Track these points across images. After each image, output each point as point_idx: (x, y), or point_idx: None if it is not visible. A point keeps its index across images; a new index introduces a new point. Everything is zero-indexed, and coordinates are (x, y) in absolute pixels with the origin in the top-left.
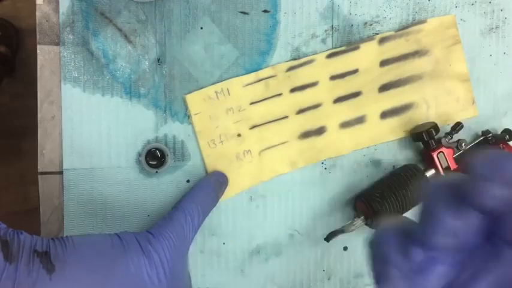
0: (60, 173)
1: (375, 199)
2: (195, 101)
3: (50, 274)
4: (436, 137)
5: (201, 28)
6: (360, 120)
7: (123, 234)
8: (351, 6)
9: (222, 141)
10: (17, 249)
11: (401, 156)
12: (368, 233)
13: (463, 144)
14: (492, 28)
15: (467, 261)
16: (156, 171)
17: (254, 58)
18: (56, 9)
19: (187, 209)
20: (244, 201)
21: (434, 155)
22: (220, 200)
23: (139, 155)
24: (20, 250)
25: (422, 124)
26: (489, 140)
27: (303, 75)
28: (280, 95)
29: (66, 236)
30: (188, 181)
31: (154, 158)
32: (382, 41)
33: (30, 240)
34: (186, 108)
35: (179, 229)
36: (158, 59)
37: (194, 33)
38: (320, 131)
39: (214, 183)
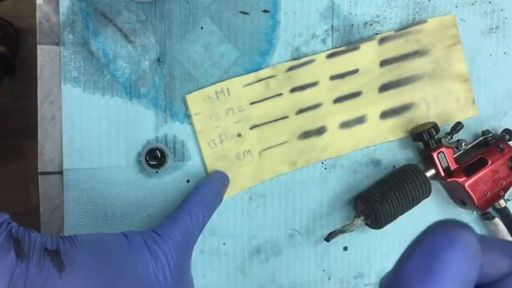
0: (60, 173)
1: (375, 199)
2: (195, 101)
3: (60, 272)
4: (436, 137)
5: (201, 28)
6: (360, 120)
7: (129, 234)
8: (351, 6)
9: (222, 141)
10: (28, 247)
11: (401, 156)
12: (368, 234)
13: (463, 144)
14: (492, 28)
15: None
16: (156, 171)
17: (254, 58)
18: (56, 9)
19: (192, 209)
20: (244, 201)
21: (434, 155)
22: None
23: (140, 155)
24: (31, 248)
25: (422, 124)
26: (489, 140)
27: (303, 75)
28: (280, 95)
29: (75, 235)
30: (188, 181)
31: (154, 158)
32: (382, 41)
33: (41, 238)
34: (186, 108)
35: (185, 229)
36: (158, 59)
37: (194, 33)
38: (320, 131)
39: (217, 183)
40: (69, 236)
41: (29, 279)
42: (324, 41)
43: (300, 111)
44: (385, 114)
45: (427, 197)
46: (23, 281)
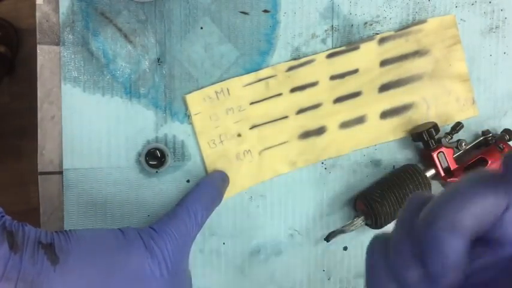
0: (60, 173)
1: (375, 199)
2: (195, 101)
3: (54, 265)
4: (436, 137)
5: (201, 28)
6: (360, 120)
7: (125, 229)
8: (351, 6)
9: (222, 141)
10: (22, 240)
11: (401, 156)
12: (368, 234)
13: (463, 144)
14: (492, 28)
15: None
16: (156, 171)
17: (254, 58)
18: (56, 9)
19: (191, 207)
20: (244, 201)
21: (434, 155)
22: None
23: (139, 155)
24: (25, 241)
25: (422, 124)
26: (489, 140)
27: (303, 75)
28: (280, 95)
29: (70, 230)
30: (188, 181)
31: (154, 158)
32: (382, 41)
33: (35, 232)
34: (186, 108)
35: (182, 226)
36: (158, 59)
37: (194, 33)
38: (320, 131)
39: (218, 182)
40: (65, 230)
41: (22, 271)
42: (324, 41)
43: (300, 111)
44: (385, 114)
45: None
46: (16, 273)
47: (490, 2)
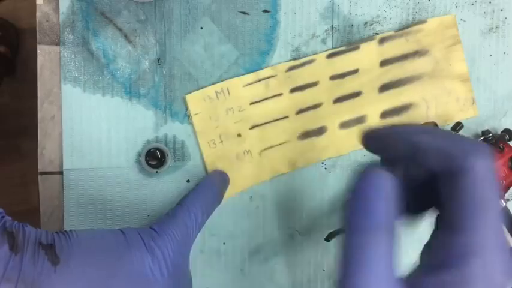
0: (60, 173)
1: None
2: (195, 101)
3: (55, 266)
4: None
5: (201, 28)
6: (360, 120)
7: (126, 230)
8: (351, 6)
9: (222, 141)
10: (22, 241)
11: None
12: None
13: None
14: (492, 28)
15: None
16: (156, 171)
17: (254, 58)
18: (56, 9)
19: (191, 207)
20: (244, 201)
21: None
22: None
23: (139, 155)
24: (25, 242)
25: (422, 124)
26: (489, 140)
27: (303, 75)
28: (280, 95)
29: (71, 230)
30: (188, 181)
31: (154, 158)
32: (382, 41)
33: (35, 232)
34: (186, 108)
35: (182, 226)
36: (158, 59)
37: (194, 33)
38: (320, 131)
39: (218, 183)
40: (65, 231)
41: (23, 272)
42: (324, 41)
43: (300, 111)
44: (385, 114)
45: None
46: (16, 274)
47: (490, 2)
